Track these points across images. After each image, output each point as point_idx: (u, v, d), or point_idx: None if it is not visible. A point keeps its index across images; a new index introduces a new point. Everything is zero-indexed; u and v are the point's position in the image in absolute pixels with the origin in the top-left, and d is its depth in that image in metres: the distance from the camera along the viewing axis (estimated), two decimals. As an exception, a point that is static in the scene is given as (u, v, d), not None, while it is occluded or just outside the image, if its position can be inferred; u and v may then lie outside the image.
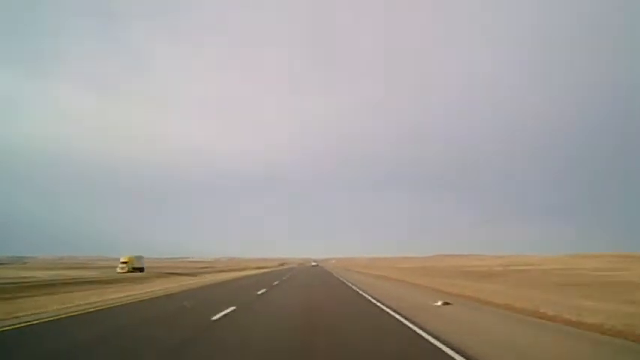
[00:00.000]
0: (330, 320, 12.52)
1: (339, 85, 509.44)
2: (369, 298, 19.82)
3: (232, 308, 14.81)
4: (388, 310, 14.74)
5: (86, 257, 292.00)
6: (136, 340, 9.53)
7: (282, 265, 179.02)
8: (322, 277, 47.90)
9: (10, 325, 11.33)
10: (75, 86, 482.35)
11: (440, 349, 8.37)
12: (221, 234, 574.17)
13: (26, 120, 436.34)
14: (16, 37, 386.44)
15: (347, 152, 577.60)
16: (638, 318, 11.42)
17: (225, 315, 13.15)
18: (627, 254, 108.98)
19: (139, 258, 74.25)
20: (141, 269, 70.05)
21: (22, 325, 11.53)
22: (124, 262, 69.35)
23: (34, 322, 11.97)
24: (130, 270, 66.75)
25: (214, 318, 12.47)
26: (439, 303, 16.26)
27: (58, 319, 12.59)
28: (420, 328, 10.74)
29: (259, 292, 23.05)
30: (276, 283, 34.98)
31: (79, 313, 14.18)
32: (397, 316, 12.92)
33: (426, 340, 9.16)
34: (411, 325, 11.13)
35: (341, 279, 43.56)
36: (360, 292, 24.07)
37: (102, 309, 15.20)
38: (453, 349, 8.23)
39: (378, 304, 16.84)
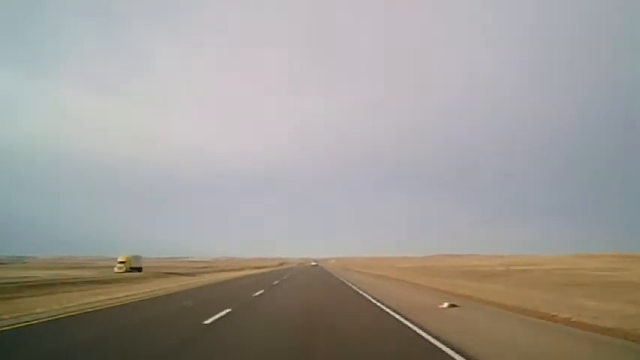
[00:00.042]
0: (332, 326, 11.29)
1: (339, 85, 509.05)
2: (371, 299, 19.52)
3: (227, 310, 14.27)
4: (392, 312, 14.28)
5: (86, 257, 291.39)
6: (120, 347, 8.85)
7: (281, 264, 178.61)
8: (322, 278, 47.58)
9: (8, 325, 11.23)
10: (75, 86, 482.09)
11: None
12: (221, 234, 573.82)
13: (26, 120, 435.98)
14: (16, 37, 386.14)
15: (347, 152, 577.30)
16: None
17: (219, 318, 12.56)
18: (627, 254, 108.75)
19: (137, 258, 73.91)
20: (139, 269, 69.71)
21: (21, 325, 11.42)
22: (121, 262, 69.01)
23: (18, 325, 11.52)
24: (128, 270, 66.40)
25: (207, 322, 11.80)
26: (445, 305, 15.73)
27: (44, 322, 12.22)
28: (427, 332, 10.25)
29: (257, 294, 22.70)
30: (275, 283, 34.72)
31: (72, 314, 14.00)
32: (407, 323, 11.51)
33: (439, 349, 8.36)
34: (424, 335, 9.65)
35: (341, 279, 43.25)
36: (361, 292, 23.87)
37: (89, 312, 14.67)
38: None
39: (384, 307, 15.98)
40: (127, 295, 21.65)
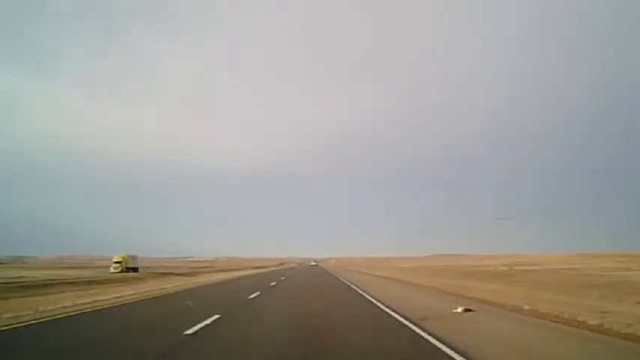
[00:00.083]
0: (335, 339, 9.42)
1: (339, 85, 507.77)
2: (378, 303, 17.61)
3: (215, 317, 12.49)
4: (404, 320, 12.38)
5: (86, 257, 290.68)
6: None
7: (281, 264, 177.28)
8: (322, 278, 46.15)
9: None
10: (75, 86, 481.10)
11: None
12: (221, 234, 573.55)
13: (26, 120, 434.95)
14: (16, 37, 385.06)
15: (347, 152, 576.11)
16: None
17: (204, 327, 10.74)
18: (632, 253, 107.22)
19: (133, 257, 72.52)
20: (135, 269, 68.37)
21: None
22: (117, 262, 67.66)
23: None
24: (124, 270, 65.17)
25: (189, 332, 10.04)
26: (459, 309, 14.01)
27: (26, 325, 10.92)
28: (453, 348, 8.28)
29: (252, 296, 21.03)
30: (273, 284, 33.19)
31: (41, 320, 12.49)
32: (425, 335, 9.55)
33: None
34: (450, 352, 7.90)
35: (340, 278, 41.95)
36: (366, 295, 22.23)
37: (59, 318, 13.07)
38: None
39: (394, 314, 13.87)
40: (113, 298, 20.14)
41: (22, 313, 13.86)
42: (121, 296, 21.15)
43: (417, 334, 9.92)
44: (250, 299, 19.67)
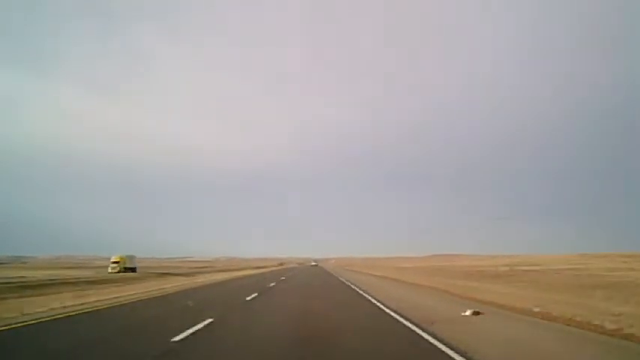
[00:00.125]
0: (337, 346, 8.69)
1: (339, 85, 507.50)
2: (382, 306, 16.86)
3: (208, 321, 11.64)
4: (410, 324, 11.56)
5: (86, 257, 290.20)
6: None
7: (281, 264, 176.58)
8: (322, 278, 45.58)
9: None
10: (75, 86, 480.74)
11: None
12: (221, 234, 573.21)
13: (26, 120, 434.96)
14: (16, 37, 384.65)
15: (347, 152, 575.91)
16: None
17: (194, 333, 9.90)
18: (634, 253, 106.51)
19: (131, 257, 71.91)
20: (133, 269, 67.80)
21: None
22: (115, 262, 67.10)
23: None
24: (122, 270, 64.60)
25: (177, 338, 9.14)
26: (468, 312, 13.23)
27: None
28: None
29: (249, 297, 20.29)
30: (272, 284, 32.51)
31: (26, 323, 11.80)
32: (435, 342, 8.81)
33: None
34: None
35: (341, 279, 41.44)
36: (368, 296, 21.54)
37: (43, 321, 12.33)
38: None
39: (399, 317, 13.10)
40: (106, 299, 19.44)
41: (9, 314, 13.25)
42: (116, 297, 20.51)
43: (430, 342, 8.96)
44: (248, 300, 19.01)
